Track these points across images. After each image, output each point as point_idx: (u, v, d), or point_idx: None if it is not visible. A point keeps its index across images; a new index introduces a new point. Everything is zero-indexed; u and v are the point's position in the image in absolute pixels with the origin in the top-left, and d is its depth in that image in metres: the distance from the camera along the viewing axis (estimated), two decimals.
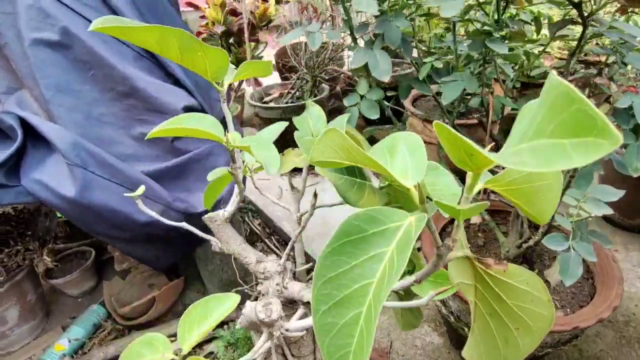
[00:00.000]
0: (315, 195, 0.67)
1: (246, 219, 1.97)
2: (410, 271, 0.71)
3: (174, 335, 1.29)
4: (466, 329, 0.99)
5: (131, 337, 1.31)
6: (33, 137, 1.05)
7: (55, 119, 1.06)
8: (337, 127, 0.60)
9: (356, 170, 0.63)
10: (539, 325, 0.38)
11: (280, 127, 0.76)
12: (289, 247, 0.71)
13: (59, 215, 1.75)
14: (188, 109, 1.15)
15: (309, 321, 0.50)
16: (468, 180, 0.31)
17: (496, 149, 1.09)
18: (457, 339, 1.17)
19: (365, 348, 0.28)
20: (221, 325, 1.35)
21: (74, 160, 1.00)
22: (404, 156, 0.34)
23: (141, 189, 0.63)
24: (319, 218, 1.84)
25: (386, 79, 0.93)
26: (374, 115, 1.00)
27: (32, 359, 1.31)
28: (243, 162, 0.76)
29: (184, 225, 0.70)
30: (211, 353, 1.24)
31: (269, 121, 2.19)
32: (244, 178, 1.33)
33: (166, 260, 1.27)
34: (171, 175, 1.14)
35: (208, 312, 0.43)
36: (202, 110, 1.19)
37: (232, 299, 0.44)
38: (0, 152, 0.98)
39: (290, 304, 0.72)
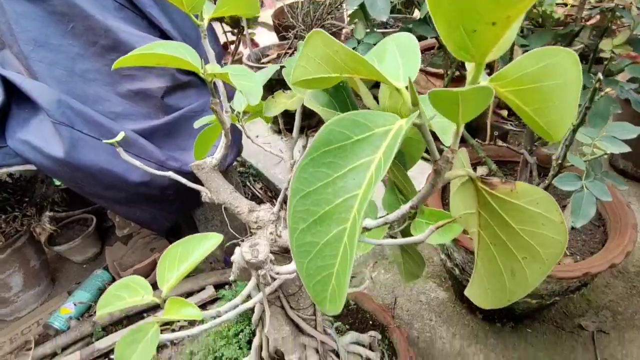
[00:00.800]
0: (307, 138, 0.63)
1: (247, 183, 1.94)
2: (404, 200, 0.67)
3: (181, 295, 1.28)
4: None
5: None
6: (17, 96, 1.00)
7: (37, 76, 1.01)
8: None
9: (349, 104, 0.58)
10: (549, 251, 0.34)
11: (268, 72, 0.70)
12: (282, 194, 0.67)
13: (56, 182, 1.73)
14: None
15: None
16: (469, 75, 0.26)
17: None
18: (462, 293, 1.15)
19: (349, 269, 0.24)
20: (222, 285, 1.34)
21: (60, 118, 0.96)
22: (394, 56, 0.29)
23: (120, 135, 0.59)
24: None
25: (384, 17, 0.86)
26: (384, 16, 0.93)
27: (39, 323, 1.33)
28: (232, 110, 0.71)
29: (171, 174, 0.66)
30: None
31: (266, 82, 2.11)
32: (240, 137, 1.27)
33: (165, 222, 1.25)
34: (163, 134, 1.10)
35: (188, 252, 0.40)
36: None
37: (213, 238, 0.41)
38: None
39: (286, 253, 0.69)
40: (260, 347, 0.85)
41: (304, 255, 0.25)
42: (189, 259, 0.39)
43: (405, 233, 0.75)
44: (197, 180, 0.71)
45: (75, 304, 1.32)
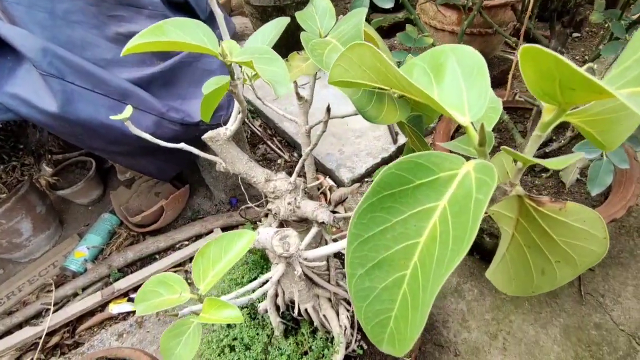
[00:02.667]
0: (328, 110, 0.59)
1: (246, 120, 1.88)
2: None
3: (187, 239, 1.32)
4: (486, 237, 1.00)
5: (147, 243, 1.36)
6: None
7: (17, 21, 0.91)
8: (355, 27, 0.49)
9: (385, 99, 0.54)
10: (585, 260, 0.35)
11: (279, 25, 0.63)
12: (299, 164, 0.66)
13: None
14: (167, 1, 0.98)
15: (328, 249, 0.48)
16: (546, 116, 0.24)
17: (528, 39, 0.95)
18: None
19: (412, 316, 0.25)
20: (230, 228, 1.38)
21: (47, 69, 0.88)
22: (456, 80, 0.27)
23: (128, 111, 0.55)
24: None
25: (389, 4, 0.77)
26: (389, 4, 0.85)
27: (55, 265, 1.39)
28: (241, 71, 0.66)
29: (184, 146, 0.63)
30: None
31: (261, 10, 1.94)
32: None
33: (170, 172, 1.24)
34: (161, 82, 1.03)
35: (222, 251, 0.40)
36: (185, 3, 1.02)
37: (246, 236, 0.41)
38: None
39: (304, 222, 0.70)
40: (276, 295, 0.90)
41: (362, 300, 0.26)
42: (224, 259, 0.40)
43: None
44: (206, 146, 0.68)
45: (88, 248, 1.37)
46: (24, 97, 0.90)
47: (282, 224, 0.72)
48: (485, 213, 0.35)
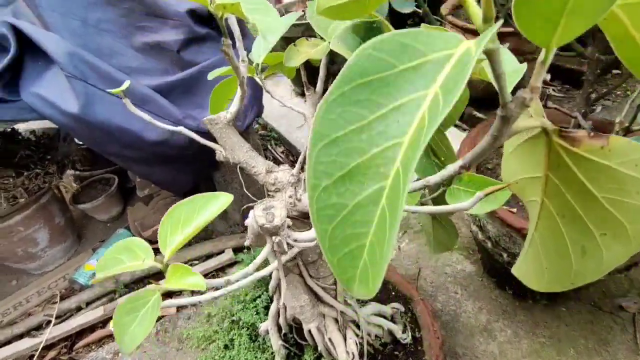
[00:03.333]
0: None
1: (268, 146, 1.89)
2: (438, 164, 0.60)
3: (197, 258, 1.27)
4: (504, 255, 0.89)
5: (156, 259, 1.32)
6: (30, 49, 0.96)
7: (51, 27, 0.96)
8: None
9: None
10: None
11: (293, 17, 0.62)
12: (302, 154, 0.61)
13: (78, 142, 1.73)
14: (192, 14, 1.01)
15: None
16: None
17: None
18: (492, 267, 1.09)
19: (388, 241, 0.18)
20: (242, 249, 1.33)
21: (73, 72, 0.91)
22: None
23: (125, 84, 0.54)
24: None
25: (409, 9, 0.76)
26: (408, 8, 0.83)
27: (65, 278, 1.36)
28: (250, 62, 0.64)
29: (182, 130, 0.61)
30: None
31: (290, 41, 1.99)
32: (260, 95, 1.20)
33: (184, 184, 1.22)
34: (180, 90, 1.04)
35: (194, 213, 0.35)
36: (209, 17, 1.05)
37: (222, 198, 0.35)
38: None
39: (306, 219, 0.64)
40: (278, 314, 0.82)
41: (326, 221, 0.19)
42: (194, 222, 0.34)
43: (438, 202, 0.68)
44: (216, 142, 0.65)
45: (98, 261, 1.34)
46: (48, 99, 0.92)
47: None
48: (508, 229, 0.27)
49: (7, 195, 1.19)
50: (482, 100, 1.37)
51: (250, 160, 0.60)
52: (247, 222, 0.52)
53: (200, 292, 0.34)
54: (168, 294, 1.24)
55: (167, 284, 0.33)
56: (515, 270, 0.40)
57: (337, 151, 0.19)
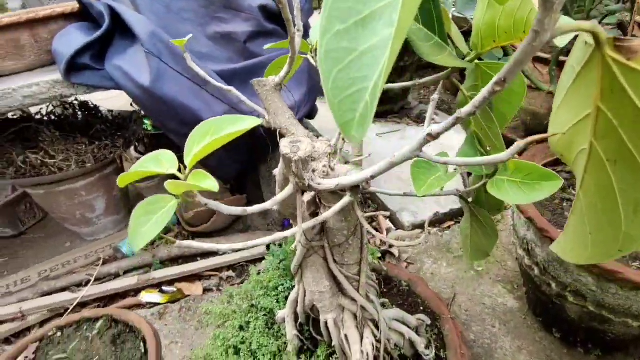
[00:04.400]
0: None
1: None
2: (483, 154, 0.56)
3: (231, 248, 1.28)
4: (553, 285, 0.80)
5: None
6: (120, 27, 1.08)
7: (140, 10, 1.08)
8: None
9: (436, 25, 0.50)
10: None
11: None
12: (337, 135, 0.61)
13: (147, 127, 1.88)
14: (263, 9, 1.08)
15: (349, 178, 0.40)
16: None
17: None
18: (538, 303, 0.98)
19: (381, 87, 0.17)
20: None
21: (151, 49, 1.01)
22: None
23: (188, 37, 0.58)
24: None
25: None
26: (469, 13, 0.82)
27: (111, 247, 1.45)
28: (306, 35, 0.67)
29: (232, 89, 0.63)
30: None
31: None
32: (318, 90, 1.23)
33: (230, 170, 1.27)
34: (241, 78, 1.10)
35: (221, 128, 0.36)
36: (279, 14, 1.12)
37: (248, 120, 0.36)
38: (88, 36, 1.03)
39: (334, 194, 0.62)
40: (296, 302, 0.80)
41: (333, 63, 0.19)
42: (219, 133, 0.35)
43: (479, 201, 0.64)
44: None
45: None
46: (125, 70, 1.02)
47: (317, 198, 0.65)
48: (555, 225, 0.23)
49: (77, 159, 1.31)
50: None
51: (291, 127, 0.61)
52: (275, 171, 0.53)
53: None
54: (191, 257, 1.26)
55: (187, 181, 0.34)
56: (554, 246, 0.35)
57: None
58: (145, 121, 1.98)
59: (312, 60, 0.70)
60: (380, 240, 1.37)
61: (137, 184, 1.64)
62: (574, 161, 0.32)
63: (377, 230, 1.42)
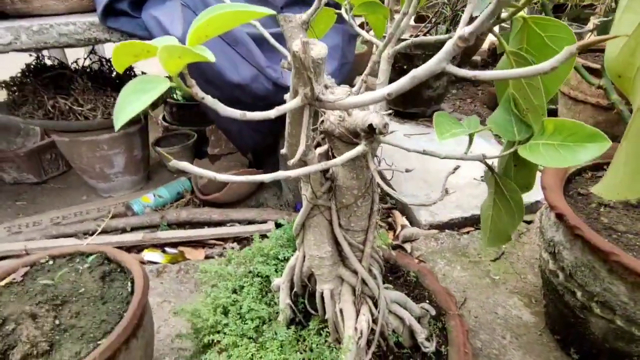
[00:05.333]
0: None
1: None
2: (517, 121, 0.50)
3: (240, 220, 1.26)
4: (579, 293, 0.72)
5: (202, 210, 1.35)
6: None
7: None
8: None
9: None
10: None
11: None
12: (358, 83, 0.57)
13: (176, 97, 1.90)
14: None
15: (366, 96, 0.36)
16: None
17: None
18: (558, 318, 0.89)
19: None
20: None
21: (187, 1, 1.01)
22: None
23: None
24: (416, 162, 1.63)
25: None
26: None
27: (123, 204, 1.45)
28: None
29: (257, 24, 0.60)
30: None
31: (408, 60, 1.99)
32: (347, 70, 1.19)
33: (249, 141, 1.24)
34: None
35: (232, 7, 0.32)
36: None
37: (262, 8, 0.33)
38: None
39: (350, 142, 0.58)
40: (294, 269, 0.75)
41: None
42: (230, 9, 0.32)
43: (506, 169, 0.58)
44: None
45: (154, 195, 1.41)
46: (160, 20, 1.02)
47: (329, 150, 0.61)
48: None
49: (104, 111, 1.32)
50: None
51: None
52: (282, 151, 0.49)
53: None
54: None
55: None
56: (597, 189, 0.30)
57: None
58: (177, 91, 2.00)
59: (345, 15, 0.67)
60: (393, 234, 1.30)
61: (158, 148, 1.65)
62: (634, 78, 0.26)
63: (391, 227, 1.36)
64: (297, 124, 0.46)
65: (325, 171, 0.62)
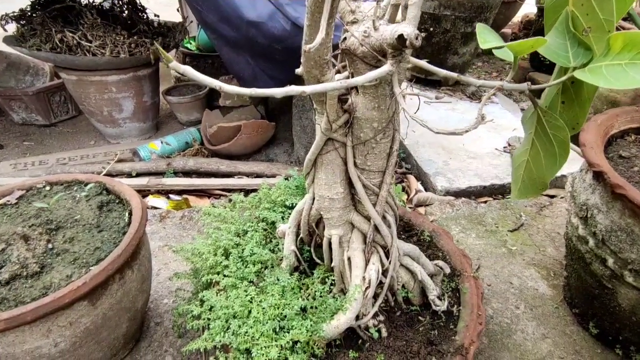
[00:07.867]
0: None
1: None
2: (573, 44, 0.42)
3: (248, 174, 1.21)
4: (610, 260, 0.66)
5: (210, 160, 1.31)
6: None
7: None
8: None
9: None
10: None
11: None
12: None
13: (189, 47, 1.83)
14: None
15: None
16: None
17: None
18: (578, 292, 0.83)
19: None
20: None
21: None
22: None
23: None
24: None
25: None
26: None
27: (130, 150, 1.42)
28: None
29: None
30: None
31: None
32: None
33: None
34: None
35: None
36: None
37: None
38: None
39: (372, 60, 0.51)
40: (301, 213, 0.70)
41: None
42: None
43: (551, 108, 0.51)
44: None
45: (162, 142, 1.37)
46: None
47: (350, 76, 0.54)
48: None
49: (113, 49, 1.27)
50: None
51: None
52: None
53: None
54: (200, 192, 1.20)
55: None
56: None
57: None
58: (191, 41, 1.93)
59: None
60: (407, 199, 1.25)
61: (169, 97, 1.60)
62: None
63: (404, 190, 1.30)
64: (318, 11, 0.40)
65: (343, 101, 0.56)
